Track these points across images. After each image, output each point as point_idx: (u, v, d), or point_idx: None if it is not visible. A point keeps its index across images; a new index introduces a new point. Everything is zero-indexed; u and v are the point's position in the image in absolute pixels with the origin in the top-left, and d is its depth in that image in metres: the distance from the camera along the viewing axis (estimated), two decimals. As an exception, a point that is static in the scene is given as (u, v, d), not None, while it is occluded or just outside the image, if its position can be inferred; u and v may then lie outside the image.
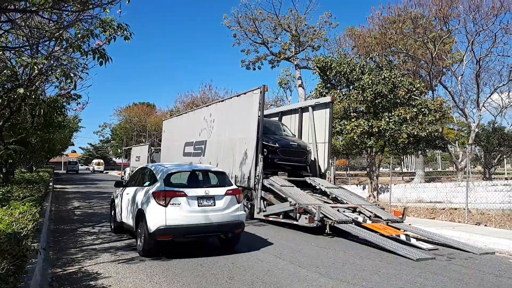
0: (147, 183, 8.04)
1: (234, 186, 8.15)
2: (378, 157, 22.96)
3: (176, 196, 7.20)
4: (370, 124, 17.76)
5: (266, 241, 9.00)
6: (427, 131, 17.84)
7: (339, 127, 18.45)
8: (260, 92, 12.80)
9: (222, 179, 8.23)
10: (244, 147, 13.45)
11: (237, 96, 14.86)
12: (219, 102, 17.22)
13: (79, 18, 5.75)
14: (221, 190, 7.74)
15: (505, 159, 25.34)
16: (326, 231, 9.79)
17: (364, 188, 22.51)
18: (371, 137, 18.48)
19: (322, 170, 14.42)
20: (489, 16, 20.19)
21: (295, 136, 15.36)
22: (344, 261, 7.35)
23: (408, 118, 17.57)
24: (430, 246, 8.76)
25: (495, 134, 21.38)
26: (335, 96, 18.07)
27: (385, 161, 36.95)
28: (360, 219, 10.28)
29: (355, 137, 18.05)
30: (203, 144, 17.05)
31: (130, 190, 8.62)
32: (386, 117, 17.79)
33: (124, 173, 36.45)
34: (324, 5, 76.24)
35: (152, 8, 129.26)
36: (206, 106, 18.67)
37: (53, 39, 6.49)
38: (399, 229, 9.91)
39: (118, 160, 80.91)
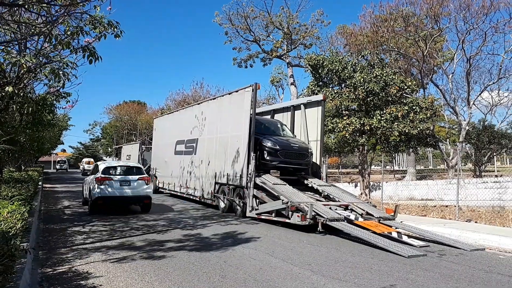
0: (96, 173, 13.34)
1: (145, 175, 13.53)
2: (370, 155, 23.07)
3: (107, 180, 12.67)
4: (362, 122, 17.82)
5: (259, 239, 8.99)
6: (419, 129, 17.97)
7: (331, 125, 18.48)
8: (252, 90, 12.78)
9: (138, 170, 13.63)
10: (236, 145, 13.38)
11: (229, 94, 14.79)
12: (210, 100, 17.03)
13: (68, 13, 5.65)
14: (135, 177, 13.09)
15: (495, 156, 25.61)
16: (318, 229, 9.84)
17: (356, 186, 22.60)
18: (363, 135, 18.55)
19: (314, 168, 14.44)
20: (479, 15, 20.34)
21: (295, 136, 14.99)
22: (337, 258, 7.37)
23: (399, 116, 17.65)
24: (421, 243, 8.84)
25: (485, 132, 21.57)
26: (327, 94, 18.08)
27: (377, 159, 37.26)
28: (352, 217, 10.33)
29: (347, 135, 18.11)
30: (194, 142, 16.96)
31: (89, 177, 14.20)
32: (378, 115, 17.87)
33: None
34: (316, 3, 76.09)
35: (142, 5, 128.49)
36: (198, 104, 18.54)
37: (42, 35, 6.37)
38: (391, 226, 9.98)
39: (108, 159, 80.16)
